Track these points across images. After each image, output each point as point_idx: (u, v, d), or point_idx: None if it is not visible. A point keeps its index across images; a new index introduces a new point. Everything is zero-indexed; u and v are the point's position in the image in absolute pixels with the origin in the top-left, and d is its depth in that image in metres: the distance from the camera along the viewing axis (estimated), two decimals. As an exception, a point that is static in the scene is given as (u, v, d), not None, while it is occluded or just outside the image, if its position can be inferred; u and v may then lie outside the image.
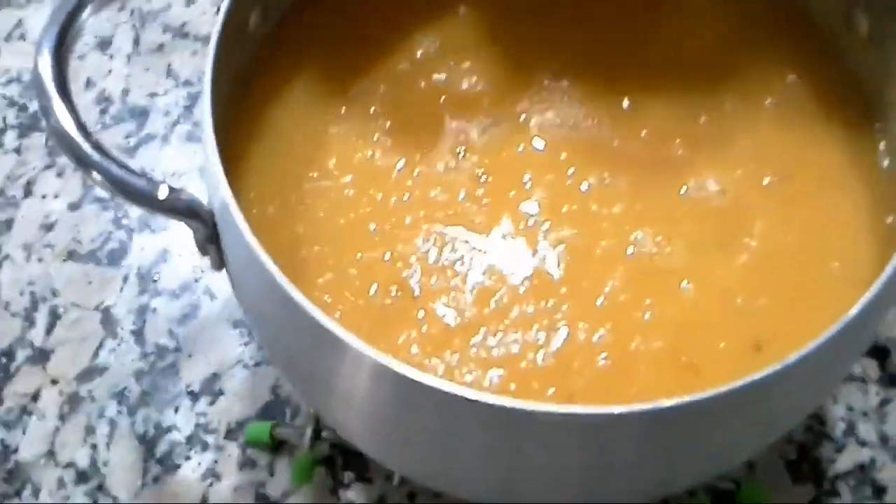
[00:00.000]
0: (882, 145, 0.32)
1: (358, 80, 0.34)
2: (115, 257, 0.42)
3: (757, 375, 0.24)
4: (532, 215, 0.31)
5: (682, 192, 0.32)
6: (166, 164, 0.44)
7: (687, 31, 0.35)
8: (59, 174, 0.44)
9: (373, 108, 0.34)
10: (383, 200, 0.32)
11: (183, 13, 0.49)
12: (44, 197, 0.44)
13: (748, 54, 0.34)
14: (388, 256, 0.30)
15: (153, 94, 0.46)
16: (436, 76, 0.35)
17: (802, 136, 0.33)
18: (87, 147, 0.27)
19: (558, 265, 0.30)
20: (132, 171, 0.27)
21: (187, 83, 0.47)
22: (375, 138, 0.33)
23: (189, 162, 0.44)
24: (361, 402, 0.27)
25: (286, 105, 0.34)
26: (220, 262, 0.29)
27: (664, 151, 0.33)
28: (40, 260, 0.42)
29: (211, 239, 0.28)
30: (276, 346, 0.30)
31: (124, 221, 0.43)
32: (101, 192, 0.44)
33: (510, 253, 0.31)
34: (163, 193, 0.27)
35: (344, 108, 0.34)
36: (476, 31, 0.36)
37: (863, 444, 0.36)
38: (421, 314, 0.29)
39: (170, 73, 0.47)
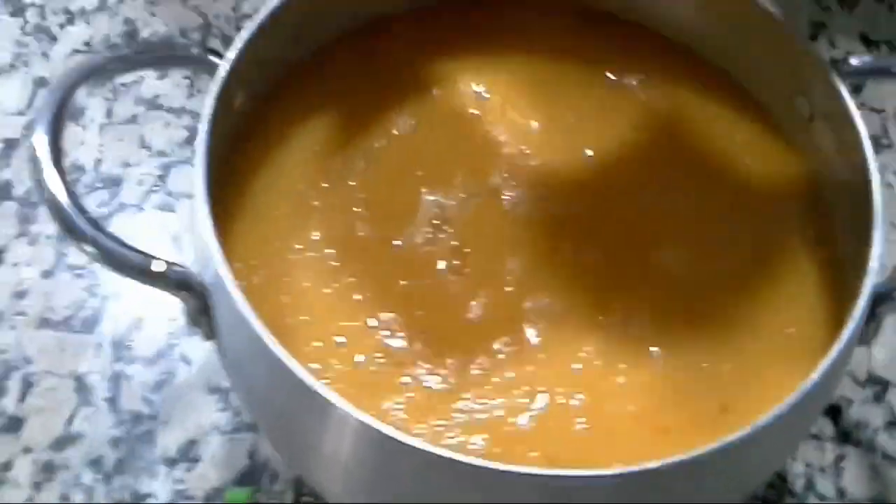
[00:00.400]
0: (825, 221, 0.35)
1: (337, 155, 0.36)
2: (89, 324, 0.42)
3: (728, 438, 0.26)
4: (510, 284, 0.33)
5: (649, 260, 0.34)
6: (140, 232, 0.45)
7: (647, 121, 0.38)
8: (31, 243, 0.45)
9: (352, 183, 0.35)
10: (366, 271, 0.33)
11: (155, 86, 0.50)
12: (15, 265, 0.44)
13: (705, 142, 0.37)
14: (372, 324, 0.32)
15: (126, 164, 0.47)
16: (412, 153, 0.36)
17: (756, 208, 0.36)
18: (81, 221, 0.28)
19: (537, 333, 0.32)
20: (126, 245, 0.28)
21: (161, 153, 0.47)
22: (356, 211, 0.35)
23: (163, 231, 0.45)
24: (347, 463, 0.28)
25: (269, 179, 0.35)
26: (210, 333, 0.30)
27: (632, 227, 0.35)
28: (13, 327, 0.42)
29: (202, 311, 0.29)
30: (265, 412, 0.31)
31: (98, 289, 0.43)
32: (74, 260, 0.44)
33: (490, 321, 0.32)
34: (158, 267, 0.28)
35: (325, 182, 0.35)
36: (449, 108, 0.38)
37: (822, 498, 0.38)
38: (406, 380, 0.31)
39: (143, 143, 0.48)
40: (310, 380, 0.26)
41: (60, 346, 0.42)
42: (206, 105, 0.30)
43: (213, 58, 0.32)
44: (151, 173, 0.47)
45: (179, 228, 0.45)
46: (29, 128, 0.48)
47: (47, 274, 0.44)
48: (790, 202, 0.36)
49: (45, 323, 0.42)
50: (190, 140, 0.48)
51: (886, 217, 0.31)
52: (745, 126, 0.38)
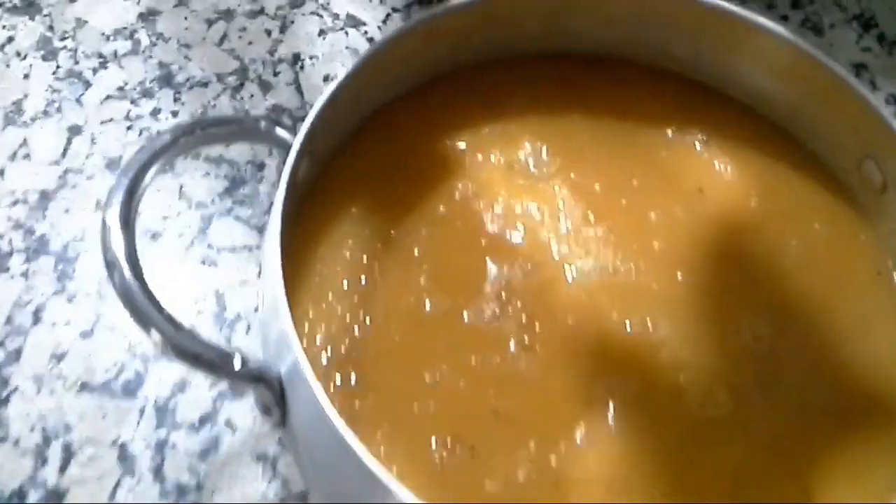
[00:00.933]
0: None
1: (398, 223, 0.35)
2: (131, 388, 0.41)
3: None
4: (583, 365, 0.32)
5: (729, 335, 0.33)
6: (182, 288, 0.44)
7: (709, 182, 0.37)
8: (70, 300, 0.44)
9: (416, 250, 0.34)
10: (433, 348, 0.32)
11: (192, 133, 0.49)
12: (53, 324, 0.43)
13: (773, 205, 0.36)
14: (443, 409, 0.31)
15: (165, 217, 0.46)
16: (475, 219, 0.35)
17: (829, 278, 0.35)
18: (155, 314, 0.27)
19: (612, 418, 0.31)
20: (204, 343, 0.27)
21: (200, 205, 0.46)
22: (421, 282, 0.34)
23: (205, 286, 0.44)
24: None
25: (331, 252, 0.34)
26: (282, 421, 0.29)
27: (701, 296, 0.34)
28: (51, 392, 0.41)
29: (277, 402, 0.28)
30: (332, 497, 0.30)
31: (139, 350, 0.42)
32: (113, 319, 0.43)
33: (563, 404, 0.31)
34: (237, 365, 0.27)
35: (386, 251, 0.34)
36: (510, 170, 0.37)
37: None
38: (480, 472, 0.29)
39: (182, 194, 0.47)
40: (391, 482, 0.25)
41: (101, 411, 0.41)
42: (280, 189, 0.29)
43: (282, 132, 0.31)
44: (191, 226, 0.46)
45: (221, 284, 0.44)
46: (63, 178, 0.47)
47: (86, 334, 0.43)
48: (862, 269, 0.35)
49: (84, 387, 0.41)
50: (229, 190, 0.46)
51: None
52: (810, 188, 0.37)
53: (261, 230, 0.46)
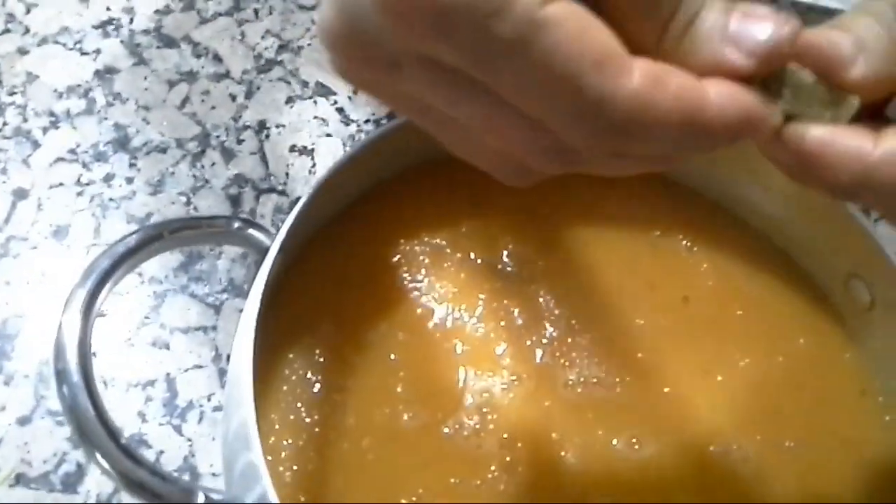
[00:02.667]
0: (886, 417, 0.33)
1: (373, 326, 0.33)
2: (71, 482, 0.38)
3: None
4: (568, 486, 0.30)
5: (709, 452, 0.32)
6: (132, 371, 0.41)
7: (695, 291, 0.36)
8: (7, 382, 0.40)
9: (392, 356, 0.33)
10: (410, 467, 0.30)
11: (148, 202, 0.46)
12: (-13, 408, 0.40)
13: (758, 317, 0.35)
14: (421, 537, 0.29)
15: (115, 293, 0.43)
16: (454, 323, 0.34)
17: (813, 396, 0.34)
18: (108, 441, 0.24)
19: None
20: (163, 476, 0.24)
21: (153, 280, 0.44)
22: (398, 391, 0.32)
23: (154, 369, 0.41)
24: None
25: (301, 357, 0.32)
26: (245, 554, 0.27)
27: (687, 412, 0.33)
28: (-18, 486, 0.38)
29: (241, 535, 0.26)
30: None
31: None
32: (54, 404, 0.40)
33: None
34: (199, 500, 0.24)
35: (360, 356, 0.32)
36: (491, 273, 0.35)
37: None
38: None
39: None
40: None
41: (40, 508, 0.37)
42: (251, 301, 0.27)
43: (256, 233, 0.29)
44: (143, 304, 0.43)
45: (173, 368, 0.41)
46: (5, 246, 0.44)
47: (24, 420, 0.39)
48: (846, 388, 0.34)
49: (20, 479, 0.38)
50: (185, 266, 0.44)
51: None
52: (796, 302, 0.36)
53: (217, 309, 0.43)
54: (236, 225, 0.29)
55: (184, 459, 0.39)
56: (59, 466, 0.38)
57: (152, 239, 0.27)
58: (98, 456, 0.25)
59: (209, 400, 0.41)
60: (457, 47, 0.18)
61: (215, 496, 0.25)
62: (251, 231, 0.29)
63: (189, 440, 0.40)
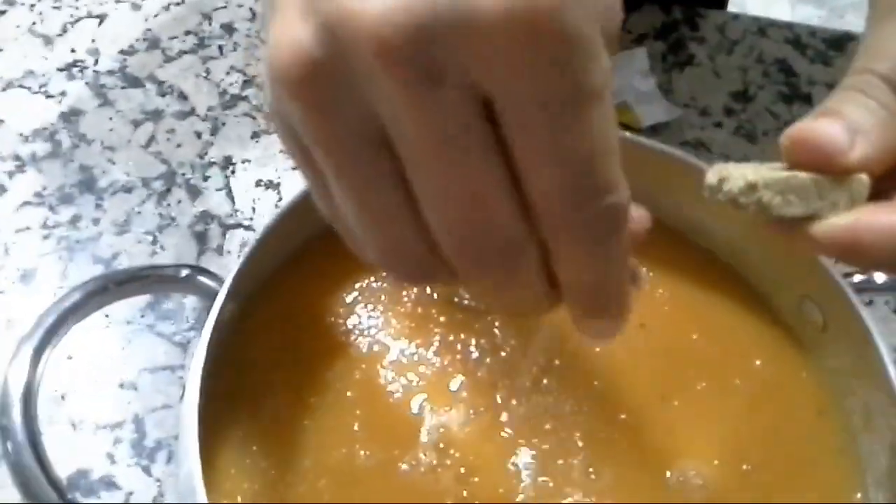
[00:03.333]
0: (843, 437, 0.34)
1: (330, 365, 0.33)
2: (39, 528, 0.38)
3: None
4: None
5: (666, 479, 0.32)
6: (98, 412, 0.41)
7: (651, 317, 0.36)
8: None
9: (349, 393, 0.33)
10: (367, 506, 0.30)
11: (114, 243, 0.46)
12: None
13: (715, 341, 0.35)
14: (377, 578, 0.29)
15: (83, 334, 0.43)
16: (412, 358, 0.34)
17: (771, 417, 0.34)
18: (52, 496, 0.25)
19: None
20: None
21: (120, 321, 0.44)
22: (354, 429, 0.32)
23: (122, 410, 0.41)
24: None
25: (256, 399, 0.32)
26: None
27: (644, 439, 0.33)
28: (-50, 535, 0.38)
29: (193, 584, 0.26)
30: None
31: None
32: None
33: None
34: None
35: (318, 396, 0.32)
36: (447, 313, 0.35)
37: None
38: None
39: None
40: None
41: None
42: (199, 348, 0.27)
43: (205, 280, 0.29)
44: (110, 344, 0.43)
45: (141, 408, 0.41)
46: (-27, 294, 0.44)
47: (-8, 468, 0.40)
48: (804, 409, 0.35)
49: (-12, 528, 0.38)
50: (152, 305, 0.44)
51: None
52: (751, 324, 0.36)
53: (185, 347, 0.43)
54: (184, 273, 0.29)
55: (153, 499, 0.39)
56: (28, 513, 0.39)
57: (97, 293, 0.27)
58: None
59: (176, 439, 0.41)
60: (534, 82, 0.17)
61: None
62: (200, 278, 0.30)
63: (158, 480, 0.40)
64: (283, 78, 0.18)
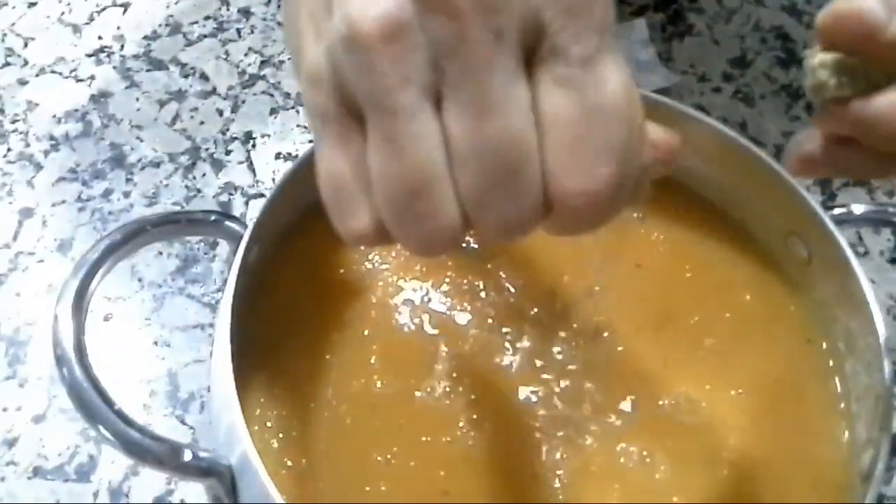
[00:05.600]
0: (830, 361, 0.36)
1: (349, 306, 0.36)
2: (84, 472, 0.41)
3: None
4: (528, 436, 0.33)
5: (661, 405, 0.35)
6: (136, 370, 0.44)
7: (647, 258, 0.38)
8: (21, 385, 0.44)
9: (366, 331, 0.35)
10: (384, 429, 0.33)
11: (145, 213, 0.49)
12: (5, 409, 0.43)
13: (707, 278, 0.38)
14: (395, 490, 0.31)
15: (118, 298, 0.46)
16: (423, 298, 0.36)
17: (760, 347, 0.36)
18: (104, 409, 0.27)
19: (558, 486, 0.32)
20: (153, 436, 0.27)
21: (152, 285, 0.47)
22: (371, 363, 0.35)
23: (156, 367, 0.44)
24: None
25: (281, 334, 0.35)
26: (234, 510, 0.30)
27: (640, 368, 0.35)
28: (3, 479, 0.41)
29: (227, 492, 0.29)
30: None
31: (92, 433, 0.42)
32: (66, 402, 0.43)
33: (512, 474, 0.32)
34: (186, 457, 0.27)
35: (338, 333, 0.35)
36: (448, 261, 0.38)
37: None
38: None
39: (134, 274, 0.47)
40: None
41: (55, 496, 0.40)
42: (230, 284, 0.30)
43: (231, 224, 0.32)
44: (144, 306, 0.46)
45: (174, 364, 0.44)
46: (15, 262, 0.47)
47: (39, 419, 0.43)
48: (792, 338, 0.37)
49: (37, 472, 0.41)
50: (182, 270, 0.47)
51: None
52: (741, 263, 0.39)
53: (213, 308, 0.46)
54: (213, 218, 0.32)
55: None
56: (73, 458, 0.42)
57: (135, 233, 0.30)
58: (100, 427, 0.28)
59: (209, 391, 0.44)
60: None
61: (201, 453, 0.28)
62: (227, 223, 0.32)
63: (192, 428, 0.43)
64: (365, 32, 0.20)
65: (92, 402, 0.27)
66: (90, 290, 0.29)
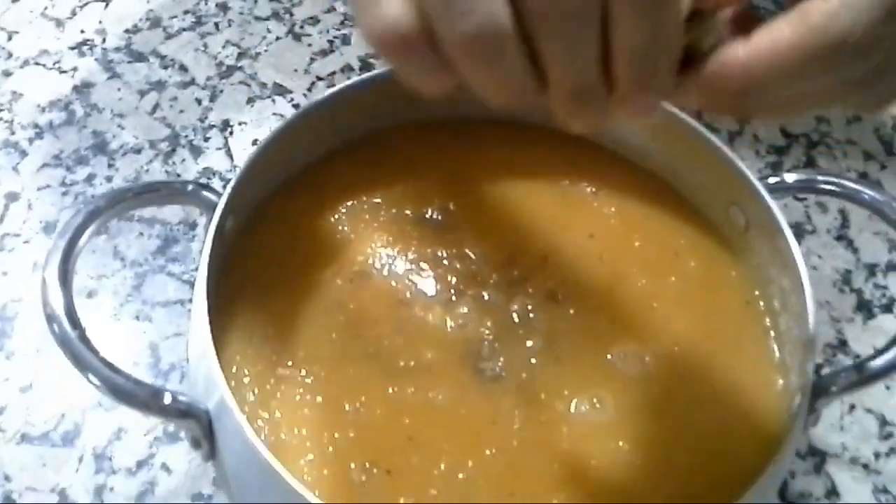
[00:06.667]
0: (767, 319, 0.39)
1: (320, 273, 0.38)
2: (69, 438, 0.43)
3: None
4: (486, 387, 0.36)
5: (608, 359, 0.37)
6: (118, 342, 0.46)
7: (599, 229, 0.41)
8: (8, 357, 0.46)
9: (338, 296, 0.38)
10: (352, 383, 0.35)
11: (127, 196, 0.51)
12: (-7, 380, 0.45)
13: (654, 247, 0.41)
14: (362, 437, 0.34)
15: (101, 276, 0.48)
16: (390, 264, 0.39)
17: (703, 308, 0.39)
18: (90, 356, 0.30)
19: (513, 431, 0.34)
20: (136, 382, 0.30)
21: (134, 263, 0.49)
22: (342, 323, 0.37)
23: (139, 339, 0.46)
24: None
25: (258, 300, 0.37)
26: (210, 455, 0.32)
27: (591, 325, 0.38)
28: (-9, 445, 0.43)
29: (205, 435, 0.31)
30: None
31: (77, 402, 0.44)
32: (51, 374, 0.45)
33: (471, 421, 0.35)
34: (167, 400, 0.30)
35: (309, 299, 0.38)
36: (421, 223, 0.41)
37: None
38: (395, 491, 0.33)
39: (116, 253, 0.49)
40: (309, 496, 0.28)
41: (41, 460, 0.43)
42: (206, 245, 0.32)
43: (208, 194, 0.34)
44: (126, 283, 0.48)
45: (156, 337, 0.47)
46: (1, 242, 0.49)
47: (25, 389, 0.45)
48: (733, 300, 0.40)
49: (24, 438, 0.43)
50: (162, 249, 0.49)
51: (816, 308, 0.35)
52: (687, 232, 0.41)
53: (193, 284, 0.49)
54: (190, 188, 0.35)
55: (169, 414, 0.45)
56: (58, 426, 0.44)
57: (117, 199, 0.32)
58: (89, 375, 0.30)
59: (188, 362, 0.46)
60: None
61: (181, 397, 0.30)
62: (204, 192, 0.35)
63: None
64: None
65: (81, 353, 0.30)
66: (75, 251, 0.31)
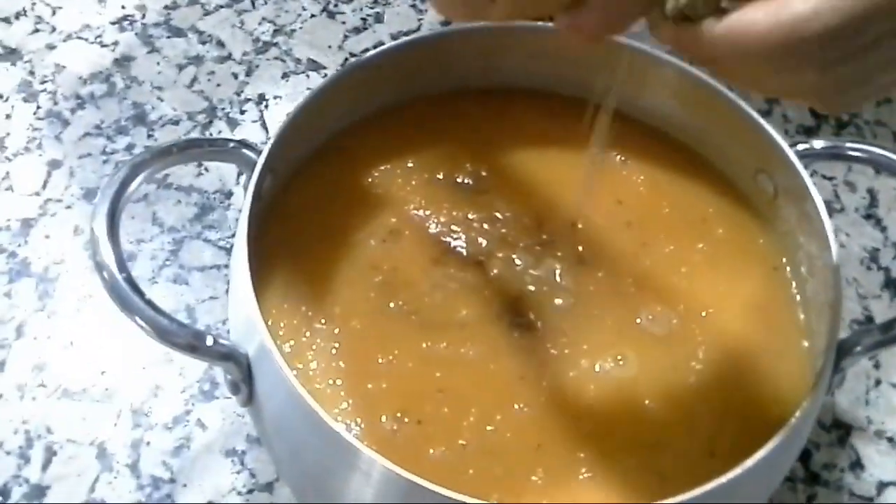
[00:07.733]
0: (794, 285, 0.39)
1: (356, 233, 0.39)
2: (108, 394, 0.45)
3: (721, 479, 0.29)
4: (516, 344, 0.36)
5: (636, 321, 0.38)
6: (156, 300, 0.47)
7: (628, 196, 0.42)
8: (50, 316, 0.47)
9: (373, 256, 0.39)
10: (386, 338, 0.36)
11: (165, 165, 0.53)
12: (35, 338, 0.46)
13: (682, 214, 0.41)
14: (395, 388, 0.35)
15: (140, 241, 0.50)
16: (424, 228, 0.40)
17: (730, 274, 0.40)
18: (137, 299, 0.31)
19: (541, 387, 0.35)
20: (178, 322, 0.31)
21: (172, 229, 0.50)
22: (377, 280, 0.38)
23: (177, 302, 0.48)
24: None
25: (294, 260, 0.38)
26: (249, 400, 0.33)
27: (620, 289, 0.39)
28: (34, 399, 0.44)
29: (244, 379, 0.32)
30: (298, 468, 0.34)
31: (117, 360, 0.46)
32: (91, 333, 0.47)
33: (501, 375, 0.35)
34: (209, 342, 0.31)
35: (346, 259, 0.39)
36: (453, 187, 0.42)
37: (796, 536, 0.41)
38: (426, 440, 0.34)
39: (155, 220, 0.51)
40: (346, 435, 0.29)
41: (81, 415, 0.44)
42: (247, 197, 0.33)
43: (247, 152, 0.35)
44: (164, 248, 0.50)
45: (192, 300, 0.48)
46: (44, 208, 0.51)
47: (66, 347, 0.46)
48: (760, 266, 0.40)
49: (65, 394, 0.45)
50: (199, 216, 0.51)
51: (843, 281, 0.35)
52: (715, 200, 0.42)
53: (228, 251, 0.50)
54: (231, 145, 0.36)
55: (204, 370, 0.46)
56: (98, 383, 0.45)
57: (162, 154, 0.33)
58: (136, 317, 0.31)
59: (223, 324, 0.47)
60: None
61: (222, 340, 0.31)
62: (244, 150, 0.36)
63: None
64: None
65: (128, 297, 0.31)
66: (121, 203, 0.32)
